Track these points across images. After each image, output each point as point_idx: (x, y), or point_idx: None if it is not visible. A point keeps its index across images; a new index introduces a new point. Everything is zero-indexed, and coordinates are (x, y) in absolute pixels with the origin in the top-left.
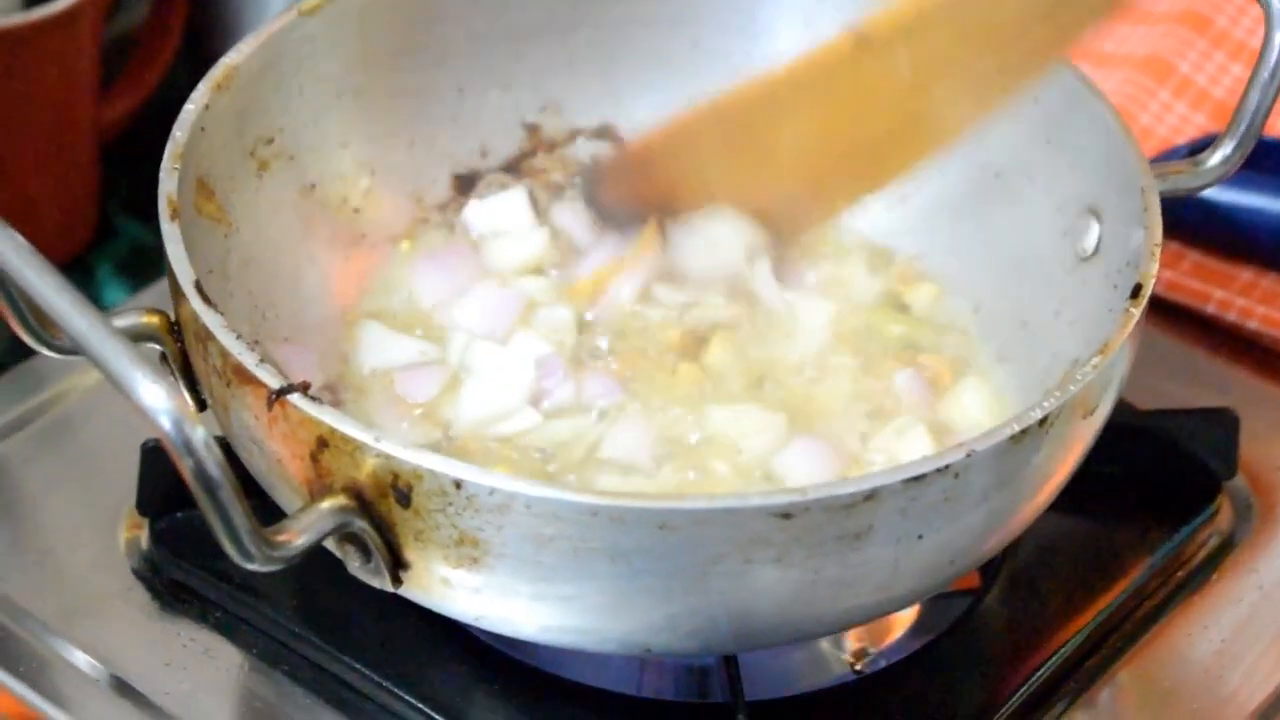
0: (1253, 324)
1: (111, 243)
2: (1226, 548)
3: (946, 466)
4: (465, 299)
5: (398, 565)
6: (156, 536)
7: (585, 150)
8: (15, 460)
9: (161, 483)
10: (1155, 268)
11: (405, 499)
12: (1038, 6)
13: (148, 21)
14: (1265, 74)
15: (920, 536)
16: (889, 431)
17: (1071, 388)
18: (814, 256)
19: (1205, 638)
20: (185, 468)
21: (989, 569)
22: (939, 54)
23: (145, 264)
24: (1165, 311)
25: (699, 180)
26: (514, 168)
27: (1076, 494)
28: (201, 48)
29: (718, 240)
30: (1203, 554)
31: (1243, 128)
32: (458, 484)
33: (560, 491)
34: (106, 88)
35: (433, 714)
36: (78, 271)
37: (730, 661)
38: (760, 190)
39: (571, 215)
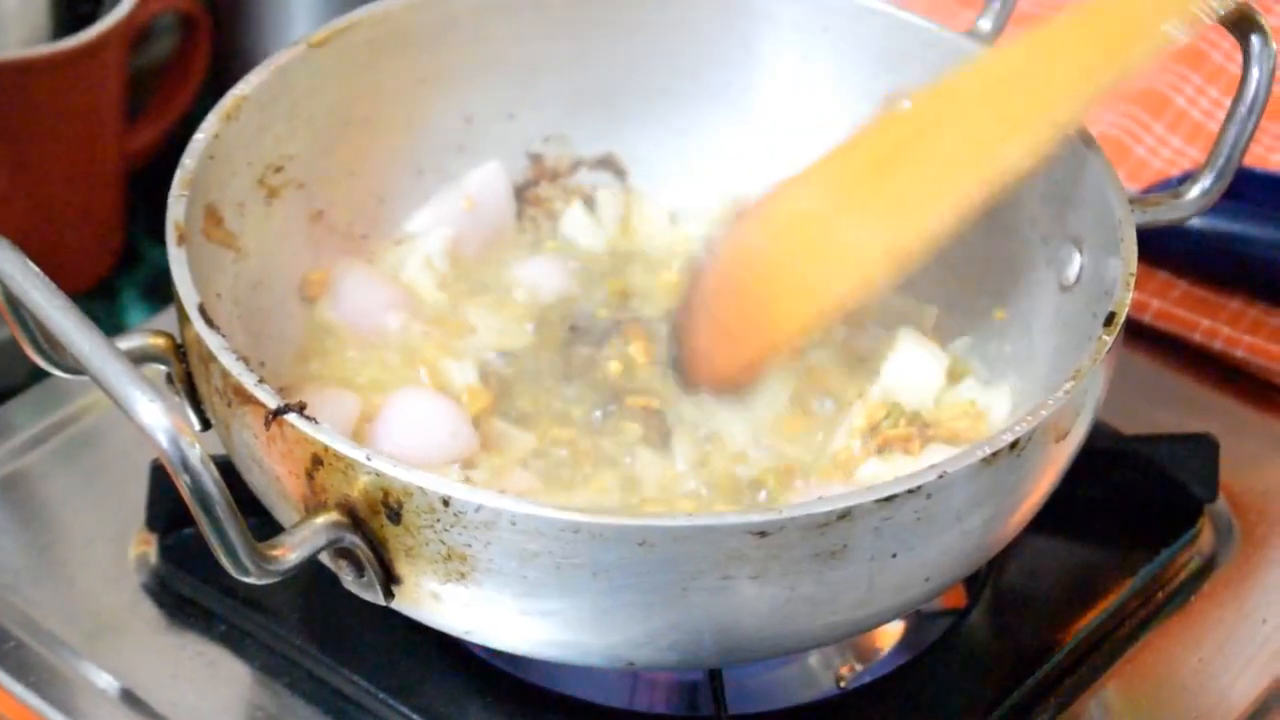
0: (1239, 352)
1: (136, 268)
2: (1208, 570)
3: (919, 487)
4: None
5: (390, 580)
6: (164, 552)
7: (587, 180)
8: (33, 475)
9: (169, 500)
10: (1129, 297)
11: (396, 515)
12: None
13: (174, 53)
14: (1243, 108)
15: (894, 555)
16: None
17: (1043, 412)
18: None
19: (1185, 657)
20: (182, 484)
21: (974, 589)
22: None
23: (168, 288)
24: (1154, 340)
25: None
26: (519, 196)
27: (1061, 516)
28: (226, 79)
29: None
30: (1184, 575)
31: (1221, 160)
32: (445, 501)
33: (543, 509)
34: (134, 118)
35: None
36: (103, 295)
37: (715, 675)
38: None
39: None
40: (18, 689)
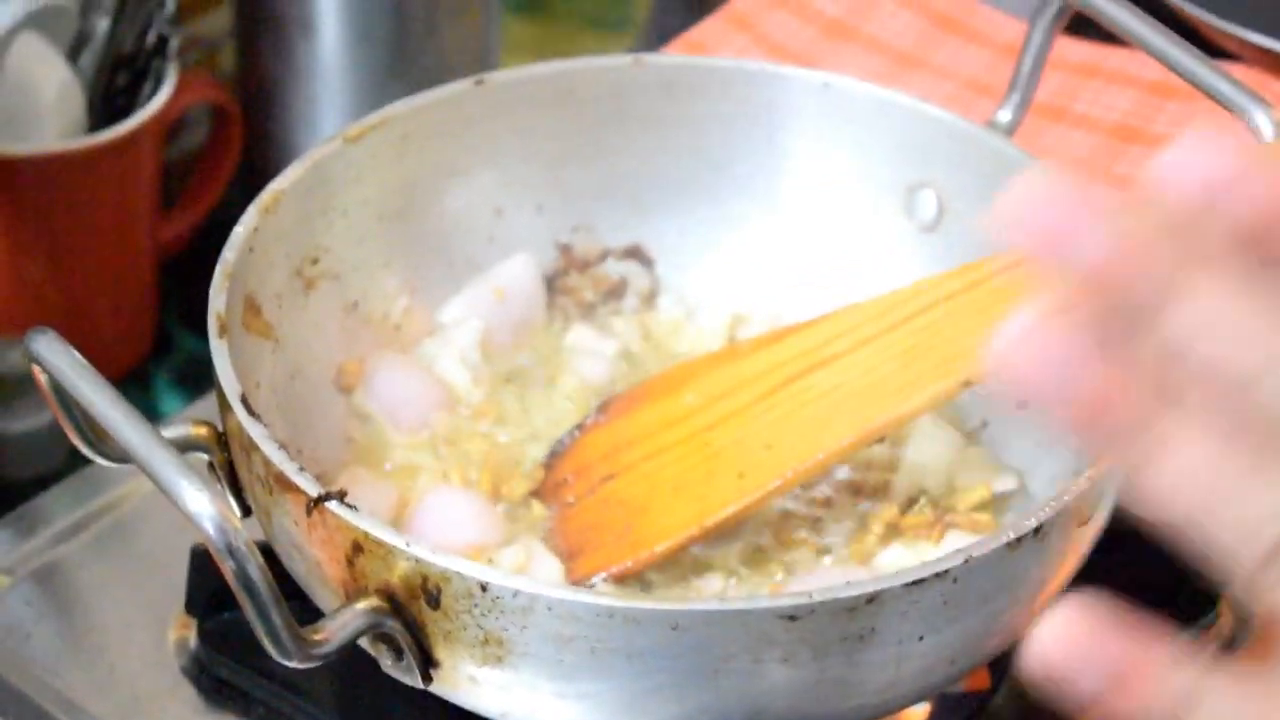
0: None
1: (169, 355)
2: (1227, 655)
3: (946, 571)
4: None
5: (428, 663)
6: (204, 636)
7: (615, 270)
8: (73, 563)
9: (209, 585)
10: None
11: (435, 600)
12: None
13: (207, 143)
14: None
15: (921, 638)
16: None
17: (1065, 498)
18: None
19: None
20: (227, 570)
21: (997, 670)
22: None
23: (200, 375)
24: None
25: None
26: (549, 285)
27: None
28: (258, 168)
29: None
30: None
31: None
32: (484, 586)
33: (579, 594)
34: (167, 207)
35: None
36: (136, 383)
37: None
38: None
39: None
40: None
